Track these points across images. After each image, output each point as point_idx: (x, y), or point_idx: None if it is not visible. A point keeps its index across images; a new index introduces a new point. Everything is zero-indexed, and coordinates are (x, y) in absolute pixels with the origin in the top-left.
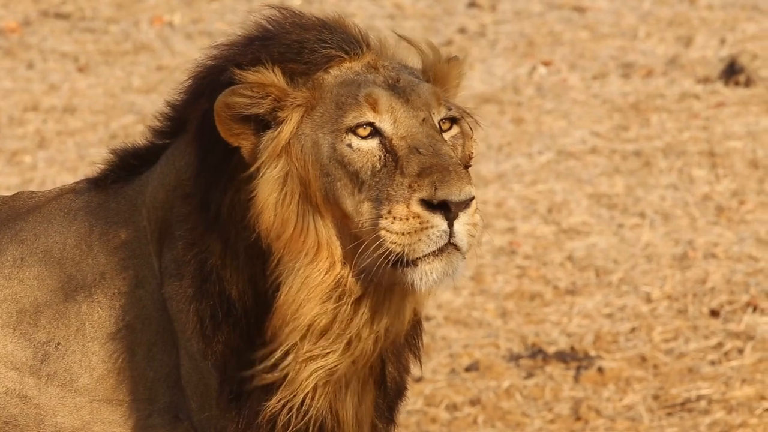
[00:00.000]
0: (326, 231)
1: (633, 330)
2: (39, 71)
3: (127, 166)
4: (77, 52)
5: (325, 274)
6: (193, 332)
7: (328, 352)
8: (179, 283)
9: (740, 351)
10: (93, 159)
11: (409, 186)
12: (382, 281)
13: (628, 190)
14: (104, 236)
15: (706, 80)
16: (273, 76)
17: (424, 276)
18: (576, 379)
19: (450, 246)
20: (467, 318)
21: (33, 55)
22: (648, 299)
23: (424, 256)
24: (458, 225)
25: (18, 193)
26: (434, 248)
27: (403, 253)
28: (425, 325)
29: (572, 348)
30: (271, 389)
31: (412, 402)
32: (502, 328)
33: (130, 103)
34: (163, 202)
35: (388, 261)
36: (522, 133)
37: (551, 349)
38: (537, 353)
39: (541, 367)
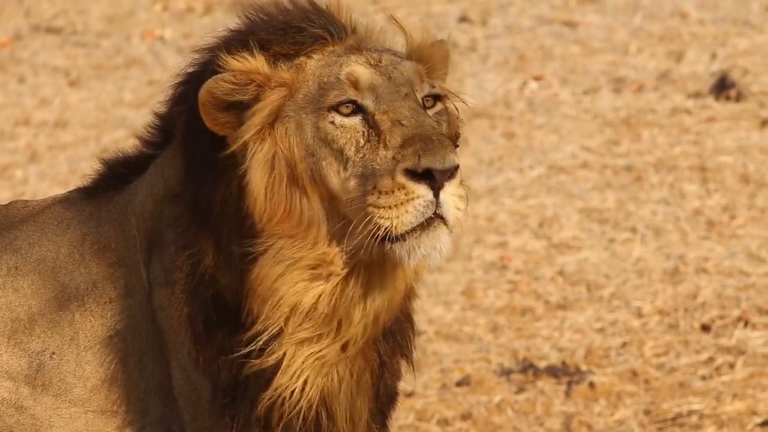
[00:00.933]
0: (312, 211)
1: (624, 345)
2: (30, 85)
3: (117, 174)
4: (68, 67)
5: (306, 251)
6: (186, 338)
7: (319, 335)
8: (170, 291)
9: (731, 366)
10: (84, 173)
11: (393, 158)
12: (371, 260)
13: (620, 204)
14: (96, 245)
15: (697, 95)
16: (257, 63)
17: (412, 251)
18: (567, 393)
19: (437, 219)
20: (458, 333)
21: (24, 70)
22: (639, 314)
23: (412, 229)
24: (444, 195)
25: (12, 202)
26: (422, 219)
27: (392, 226)
28: (417, 340)
29: (563, 363)
30: (265, 380)
31: (403, 417)
32: (493, 343)
33: (122, 118)
34: (152, 212)
35: (376, 237)
36: (513, 147)
37: (542, 364)
38: (528, 368)
39: (532, 381)
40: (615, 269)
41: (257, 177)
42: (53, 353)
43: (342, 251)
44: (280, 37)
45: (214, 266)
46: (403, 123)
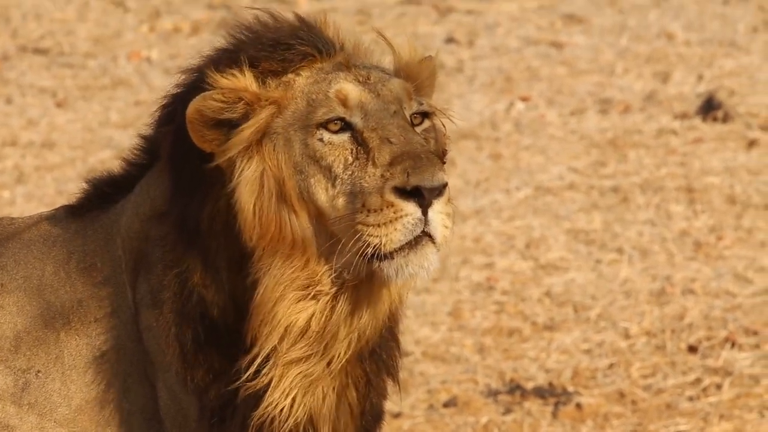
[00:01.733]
0: (301, 229)
1: (611, 366)
2: (17, 106)
3: (103, 194)
4: (55, 87)
5: (300, 271)
6: (174, 358)
7: (309, 355)
8: (158, 311)
9: (718, 387)
10: (71, 193)
11: (382, 176)
12: (359, 278)
13: (606, 225)
14: (81, 264)
15: (683, 116)
16: (246, 80)
17: (400, 269)
18: (554, 414)
19: (425, 237)
20: (445, 354)
21: (11, 90)
22: (626, 335)
23: (401, 248)
24: (432, 213)
25: None
26: (410, 237)
27: (381, 244)
28: (404, 361)
29: (550, 384)
30: (256, 399)
31: None
32: (480, 364)
33: (108, 138)
34: (138, 232)
35: (365, 255)
36: (500, 168)
37: (529, 385)
38: (515, 389)
39: (519, 402)
40: (602, 290)
41: (246, 194)
42: (39, 371)
43: (331, 270)
44: (268, 54)
45: (202, 284)
46: (392, 140)
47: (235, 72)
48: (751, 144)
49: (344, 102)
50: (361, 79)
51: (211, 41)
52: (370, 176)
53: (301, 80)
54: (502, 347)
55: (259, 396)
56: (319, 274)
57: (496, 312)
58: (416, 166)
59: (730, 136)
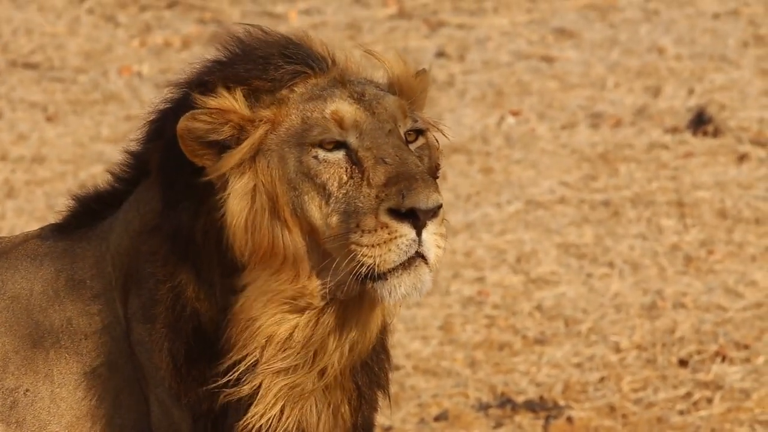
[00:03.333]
0: (293, 245)
1: (602, 379)
2: (7, 121)
3: (90, 211)
4: (46, 102)
5: (287, 284)
6: (167, 372)
7: (294, 365)
8: (150, 326)
9: (709, 401)
10: (61, 208)
11: (377, 196)
12: (350, 295)
13: (597, 239)
14: (70, 282)
15: (674, 130)
16: (233, 102)
17: (393, 290)
18: (545, 428)
19: (418, 258)
20: (436, 367)
21: (1, 105)
22: (617, 349)
23: (394, 268)
24: (426, 234)
25: None
26: (405, 258)
27: (375, 264)
28: (394, 374)
29: (541, 397)
30: (243, 410)
31: None
32: (471, 378)
33: (99, 153)
34: (128, 248)
35: (358, 275)
36: (490, 182)
37: (520, 399)
38: (506, 403)
39: (510, 416)
40: (593, 304)
41: (236, 208)
42: (27, 390)
43: (322, 286)
44: (260, 72)
45: (196, 298)
46: (387, 161)
47: (223, 92)
48: (742, 158)
49: (340, 123)
50: (356, 96)
51: (202, 56)
52: (365, 196)
53: (296, 96)
54: (493, 361)
55: (245, 407)
56: (309, 290)
57: (487, 326)
58: (411, 188)
59: (721, 150)
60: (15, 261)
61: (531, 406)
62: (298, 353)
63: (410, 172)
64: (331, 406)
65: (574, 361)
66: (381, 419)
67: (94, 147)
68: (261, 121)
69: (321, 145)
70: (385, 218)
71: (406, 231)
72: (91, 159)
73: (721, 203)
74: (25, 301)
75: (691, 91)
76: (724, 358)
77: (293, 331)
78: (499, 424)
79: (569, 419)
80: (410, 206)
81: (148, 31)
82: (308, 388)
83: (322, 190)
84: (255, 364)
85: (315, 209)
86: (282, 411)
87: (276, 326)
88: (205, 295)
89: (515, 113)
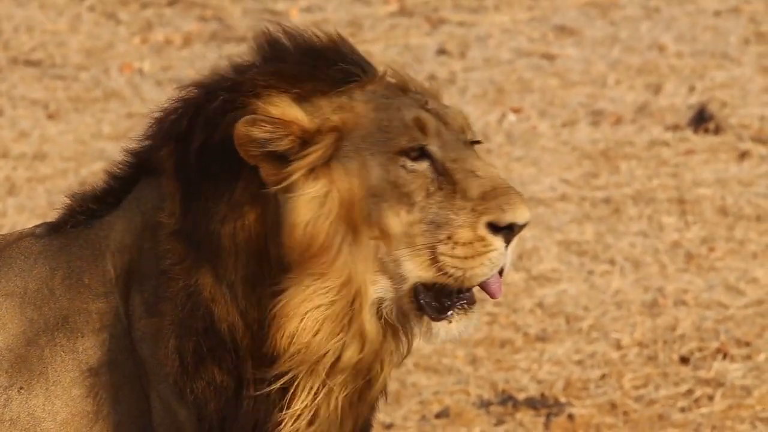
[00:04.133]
0: (351, 254)
1: (603, 377)
2: (9, 118)
3: (87, 210)
4: (47, 99)
5: (334, 294)
6: (173, 369)
7: (333, 386)
8: (156, 320)
9: (710, 398)
10: (59, 207)
11: (473, 209)
12: (391, 316)
13: (598, 237)
14: (66, 280)
15: (675, 128)
16: (296, 112)
17: (447, 330)
18: (546, 425)
19: (475, 305)
20: (437, 365)
21: (3, 102)
22: (618, 346)
23: (456, 312)
24: (510, 248)
25: None
26: (493, 271)
27: (463, 277)
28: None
29: (542, 395)
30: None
31: None
32: (472, 375)
33: (100, 150)
34: (130, 246)
35: (444, 286)
36: None
37: (521, 396)
38: (507, 400)
39: (511, 413)
40: (594, 301)
41: (304, 214)
42: (21, 388)
43: (371, 301)
44: (310, 72)
45: (212, 299)
46: (478, 174)
47: (279, 98)
48: (743, 155)
49: (423, 130)
50: (423, 104)
51: (204, 53)
52: (458, 209)
53: (360, 104)
54: (494, 358)
55: (269, 410)
56: (356, 302)
57: (489, 323)
58: (510, 202)
59: (722, 147)
60: (9, 259)
61: (532, 404)
62: (346, 373)
63: (505, 187)
64: (336, 406)
65: (575, 358)
66: (382, 416)
67: (95, 144)
68: (329, 129)
69: (407, 154)
70: (482, 231)
71: (500, 245)
72: (92, 156)
73: (722, 200)
74: (19, 299)
75: (692, 89)
76: (725, 356)
77: (341, 351)
78: (500, 422)
79: (570, 416)
80: (510, 221)
81: (150, 29)
82: (335, 393)
83: (407, 199)
84: (302, 375)
85: (393, 216)
86: (300, 415)
87: (324, 344)
88: (222, 296)
89: (516, 110)
